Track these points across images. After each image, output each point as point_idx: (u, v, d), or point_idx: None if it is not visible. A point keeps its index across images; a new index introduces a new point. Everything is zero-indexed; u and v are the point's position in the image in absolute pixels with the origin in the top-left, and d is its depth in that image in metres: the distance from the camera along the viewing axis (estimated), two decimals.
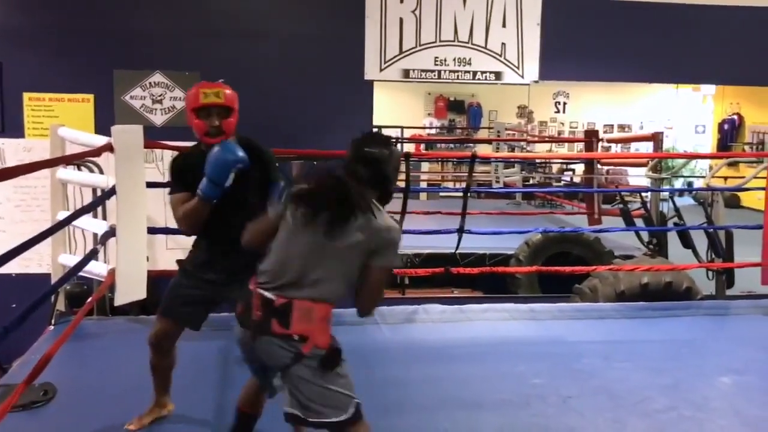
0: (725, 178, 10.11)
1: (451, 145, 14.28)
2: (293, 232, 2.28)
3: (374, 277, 2.27)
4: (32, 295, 3.28)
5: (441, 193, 12.44)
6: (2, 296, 5.19)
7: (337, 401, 2.25)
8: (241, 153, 2.74)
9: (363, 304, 2.35)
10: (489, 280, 7.07)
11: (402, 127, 12.51)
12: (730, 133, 14.66)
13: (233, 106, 2.88)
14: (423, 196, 12.56)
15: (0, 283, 5.38)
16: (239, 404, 2.67)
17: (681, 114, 15.46)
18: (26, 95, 5.65)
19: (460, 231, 5.13)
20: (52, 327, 4.34)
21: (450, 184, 13.60)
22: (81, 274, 4.11)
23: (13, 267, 4.78)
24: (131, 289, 3.78)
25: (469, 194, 5.28)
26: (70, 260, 4.42)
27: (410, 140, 13.00)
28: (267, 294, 2.23)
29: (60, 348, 3.30)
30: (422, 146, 14.08)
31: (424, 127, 15.43)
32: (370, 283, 2.28)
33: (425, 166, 13.75)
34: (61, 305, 4.50)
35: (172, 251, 4.90)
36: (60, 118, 5.46)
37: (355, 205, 2.24)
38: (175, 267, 3.05)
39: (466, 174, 5.35)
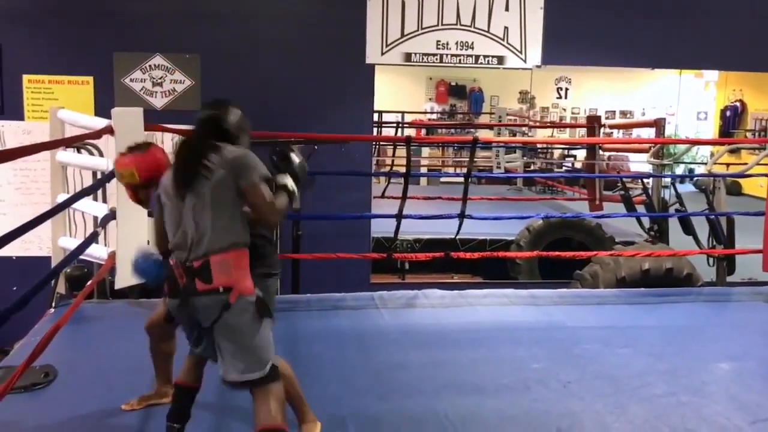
0: (727, 164, 10.11)
1: (452, 131, 14.26)
2: (173, 206, 2.46)
3: (251, 196, 2.41)
4: (33, 277, 3.28)
5: (442, 179, 12.43)
6: (3, 279, 5.20)
7: (257, 357, 2.40)
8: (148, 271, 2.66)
9: (263, 220, 2.50)
10: (489, 266, 7.08)
11: (403, 112, 12.47)
12: (732, 119, 14.62)
13: (151, 175, 2.70)
14: (423, 181, 12.56)
15: (0, 266, 5.39)
16: (178, 379, 2.73)
17: (683, 100, 15.39)
18: (26, 77, 5.63)
19: (461, 216, 5.12)
20: (52, 310, 4.34)
21: (451, 170, 13.59)
22: (81, 257, 4.10)
23: (13, 250, 4.81)
24: (132, 273, 3.78)
25: (470, 180, 5.26)
26: (71, 243, 4.41)
27: (411, 125, 12.98)
28: (186, 263, 2.39)
29: (60, 330, 3.31)
30: (423, 131, 14.07)
31: (425, 112, 15.39)
32: (253, 204, 2.43)
33: (426, 151, 13.74)
34: (61, 288, 4.50)
35: None
36: (60, 100, 5.44)
37: (199, 152, 2.40)
38: None
39: (467, 159, 5.33)
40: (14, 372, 2.86)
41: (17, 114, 5.64)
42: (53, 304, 4.39)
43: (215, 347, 2.43)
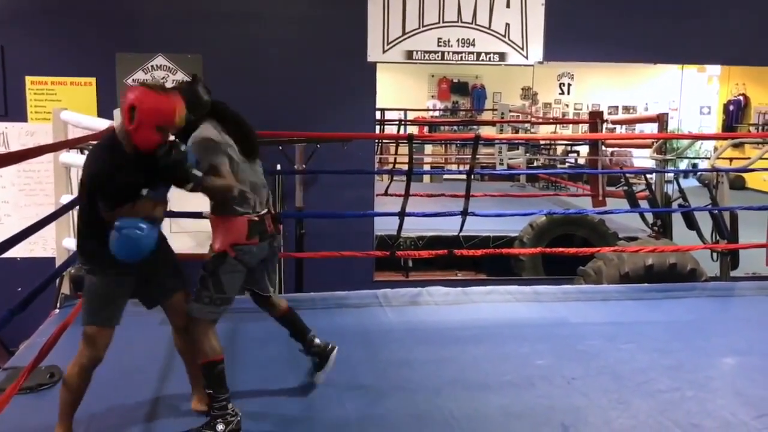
0: (730, 159, 10.08)
1: (455, 128, 14.24)
2: (247, 167, 2.95)
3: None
4: (37, 278, 3.30)
5: (444, 176, 12.42)
6: (8, 280, 5.21)
7: None
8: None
9: None
10: (493, 263, 7.08)
11: (405, 110, 12.47)
12: (735, 114, 14.59)
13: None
14: (426, 178, 12.56)
15: (5, 267, 5.40)
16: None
17: (686, 95, 15.37)
18: (28, 79, 5.64)
19: (464, 213, 5.12)
20: (57, 310, 4.36)
21: (453, 167, 13.58)
22: None
23: (18, 251, 4.81)
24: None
25: (472, 176, 5.26)
26: (75, 244, 4.42)
27: (414, 122, 12.97)
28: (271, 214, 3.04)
29: (66, 331, 3.32)
30: (425, 128, 14.06)
31: (427, 110, 15.39)
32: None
33: (428, 148, 13.72)
34: (65, 289, 4.51)
35: (177, 235, 4.91)
36: (62, 101, 5.46)
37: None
38: (181, 251, 3.08)
39: (470, 156, 5.33)
40: (21, 374, 2.88)
41: (20, 115, 5.65)
42: (58, 305, 4.41)
43: (266, 275, 3.13)
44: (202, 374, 2.91)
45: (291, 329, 3.31)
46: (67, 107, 4.81)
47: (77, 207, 2.83)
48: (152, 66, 5.70)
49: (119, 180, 2.56)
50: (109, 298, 2.75)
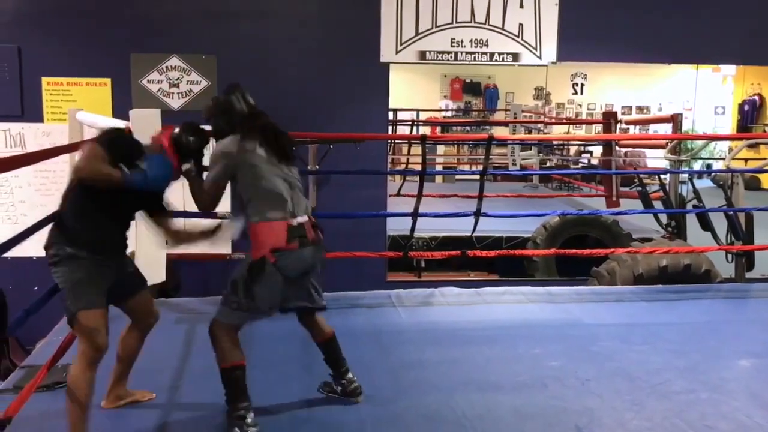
0: (745, 159, 10.01)
1: (467, 128, 14.22)
2: (276, 172, 2.93)
3: None
4: (53, 278, 3.32)
5: (457, 176, 12.41)
6: (24, 279, 5.26)
7: None
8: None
9: None
10: (506, 263, 7.07)
11: (418, 110, 12.47)
12: (750, 114, 14.48)
13: None
14: (439, 178, 12.55)
15: (21, 267, 5.44)
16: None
17: (700, 95, 15.26)
18: (44, 80, 5.69)
19: (477, 214, 5.11)
20: None
21: (466, 167, 13.56)
22: None
23: (33, 250, 4.84)
24: (150, 272, 3.81)
25: (485, 177, 5.25)
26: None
27: (426, 123, 12.96)
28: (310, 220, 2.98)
29: None
30: (438, 129, 14.05)
31: (440, 110, 15.38)
32: None
33: (441, 148, 13.71)
34: None
35: None
36: (78, 102, 5.50)
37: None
38: (193, 251, 3.10)
39: (483, 157, 5.32)
40: (39, 372, 2.90)
41: (37, 116, 5.70)
42: None
43: (309, 287, 3.03)
44: (221, 380, 2.84)
45: (329, 356, 3.20)
46: (82, 108, 4.84)
47: None
48: (166, 67, 5.74)
49: None
50: (92, 281, 2.67)
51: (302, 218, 2.91)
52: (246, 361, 2.87)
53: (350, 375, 3.18)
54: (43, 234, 2.82)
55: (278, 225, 2.83)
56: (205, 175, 2.96)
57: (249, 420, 2.77)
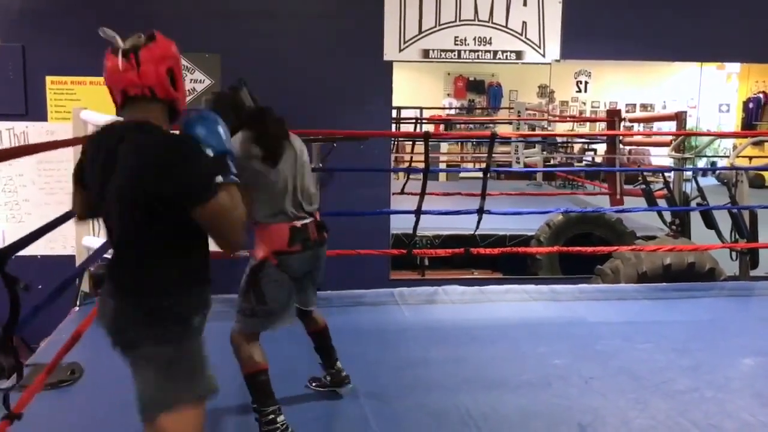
0: (750, 157, 9.99)
1: (471, 126, 14.20)
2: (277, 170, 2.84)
3: None
4: (57, 276, 3.34)
5: (460, 174, 12.41)
6: (28, 277, 5.26)
7: None
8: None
9: None
10: (509, 262, 7.06)
11: (421, 108, 12.45)
12: (755, 111, 14.44)
13: None
14: (442, 176, 12.54)
15: (26, 265, 5.46)
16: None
17: (705, 92, 15.21)
18: (48, 78, 5.70)
19: (480, 212, 5.11)
20: (77, 308, 4.41)
21: (470, 165, 13.55)
22: (105, 256, 4.16)
23: (38, 249, 4.87)
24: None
25: (489, 175, 5.25)
26: (94, 242, 4.47)
27: (430, 120, 12.95)
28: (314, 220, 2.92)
29: (87, 329, 3.35)
30: (441, 126, 14.03)
31: (443, 108, 15.36)
32: None
33: (444, 146, 13.70)
34: (85, 287, 4.56)
35: None
36: (82, 101, 5.50)
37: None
38: None
39: (486, 154, 5.32)
40: (45, 369, 2.91)
41: (41, 115, 5.71)
42: (78, 303, 4.46)
43: (308, 288, 3.00)
44: (247, 386, 2.84)
45: (319, 345, 3.26)
46: (86, 107, 4.85)
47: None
48: None
49: None
50: (203, 354, 2.00)
51: (307, 219, 2.88)
52: (268, 365, 2.84)
53: (339, 364, 3.25)
54: (52, 233, 2.81)
55: (282, 227, 2.81)
56: None
57: (279, 422, 2.79)
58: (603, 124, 11.78)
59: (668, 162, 8.04)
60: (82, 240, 4.63)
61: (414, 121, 11.54)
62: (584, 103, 15.90)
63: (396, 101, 6.40)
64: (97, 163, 1.93)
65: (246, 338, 2.83)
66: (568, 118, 15.09)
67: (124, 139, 1.87)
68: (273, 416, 2.77)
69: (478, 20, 5.94)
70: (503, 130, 12.53)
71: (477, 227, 5.27)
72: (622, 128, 9.40)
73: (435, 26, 5.91)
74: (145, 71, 1.92)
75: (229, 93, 2.87)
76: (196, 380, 1.94)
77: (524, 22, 5.96)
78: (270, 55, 5.80)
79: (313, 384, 3.31)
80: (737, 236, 5.87)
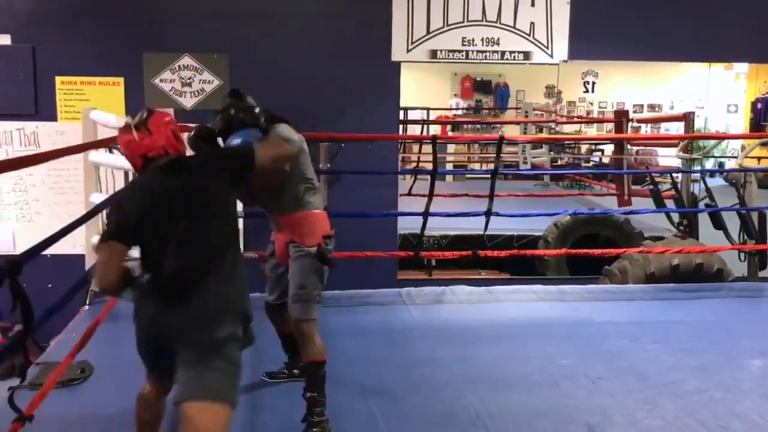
0: (758, 158, 9.94)
1: (478, 126, 14.19)
2: None
3: None
4: (67, 275, 3.36)
5: (468, 175, 12.40)
6: (38, 276, 5.29)
7: None
8: None
9: None
10: (517, 262, 7.05)
11: (428, 109, 12.45)
12: (763, 112, 14.35)
13: None
14: (449, 177, 12.54)
15: (35, 264, 5.47)
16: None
17: (713, 93, 15.18)
18: (58, 79, 5.73)
19: (488, 214, 5.11)
20: (86, 307, 4.43)
21: (477, 166, 13.52)
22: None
23: (48, 248, 4.89)
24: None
25: (496, 176, 5.24)
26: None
27: (436, 122, 12.94)
28: None
29: (97, 328, 3.38)
30: (448, 128, 14.02)
31: (450, 108, 15.35)
32: None
33: (451, 147, 13.70)
34: (95, 286, 4.59)
35: None
36: (91, 101, 5.53)
37: None
38: None
39: (493, 155, 5.32)
40: (56, 369, 2.93)
41: (51, 115, 5.74)
42: (87, 302, 4.49)
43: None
44: (307, 375, 2.92)
45: (289, 345, 3.31)
46: (96, 107, 4.88)
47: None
48: (179, 66, 5.77)
49: None
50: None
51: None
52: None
53: (296, 371, 3.33)
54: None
55: (321, 213, 3.02)
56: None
57: (325, 415, 2.88)
58: (610, 125, 11.75)
59: (676, 163, 8.02)
60: (92, 239, 4.66)
61: (421, 121, 11.54)
62: (591, 104, 15.87)
63: (403, 102, 6.40)
64: (171, 197, 2.29)
65: (316, 325, 2.92)
66: (575, 119, 15.05)
67: (184, 168, 2.39)
68: (322, 408, 2.87)
69: (486, 21, 5.94)
70: (510, 130, 12.51)
71: (485, 229, 5.27)
72: (629, 129, 9.37)
73: (443, 27, 5.92)
74: (157, 136, 2.35)
75: (240, 102, 3.08)
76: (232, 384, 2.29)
77: (532, 23, 5.96)
78: (278, 55, 5.82)
79: (273, 376, 3.37)
80: (746, 237, 5.86)
